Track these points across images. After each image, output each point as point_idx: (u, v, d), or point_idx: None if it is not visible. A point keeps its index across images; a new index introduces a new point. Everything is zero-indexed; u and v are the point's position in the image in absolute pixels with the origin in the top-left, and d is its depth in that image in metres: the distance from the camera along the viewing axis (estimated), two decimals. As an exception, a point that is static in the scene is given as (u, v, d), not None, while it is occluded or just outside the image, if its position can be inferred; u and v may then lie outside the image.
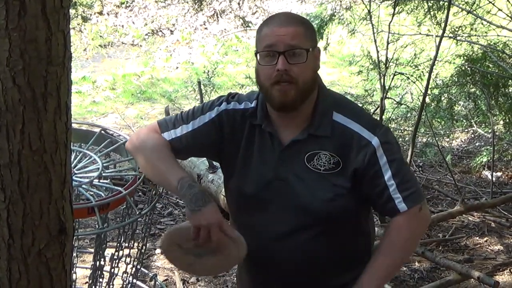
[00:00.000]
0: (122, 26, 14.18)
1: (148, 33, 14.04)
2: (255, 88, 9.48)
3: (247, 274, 2.56)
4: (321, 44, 7.65)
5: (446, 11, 5.45)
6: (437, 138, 7.15)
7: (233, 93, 2.45)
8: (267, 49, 2.20)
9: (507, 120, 6.91)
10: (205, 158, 5.77)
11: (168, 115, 7.00)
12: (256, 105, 2.36)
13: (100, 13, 14.24)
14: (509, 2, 6.62)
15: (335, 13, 7.43)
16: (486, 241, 5.58)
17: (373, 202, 2.31)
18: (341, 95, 2.49)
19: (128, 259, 3.16)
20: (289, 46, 2.18)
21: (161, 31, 14.14)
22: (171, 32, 14.12)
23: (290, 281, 2.40)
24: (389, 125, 7.68)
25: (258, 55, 2.24)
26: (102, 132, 3.30)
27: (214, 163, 5.85)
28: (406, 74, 6.63)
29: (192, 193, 2.22)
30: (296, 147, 2.28)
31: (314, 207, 2.26)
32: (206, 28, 14.12)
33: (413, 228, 2.28)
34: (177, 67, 12.56)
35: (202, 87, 7.76)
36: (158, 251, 5.24)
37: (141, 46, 13.69)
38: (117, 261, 3.10)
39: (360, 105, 7.72)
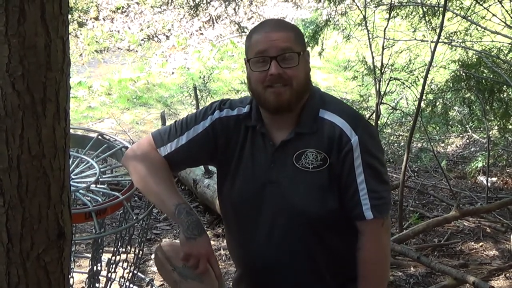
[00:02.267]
0: (118, 31, 14.19)
1: (144, 38, 14.05)
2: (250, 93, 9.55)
3: (245, 282, 2.57)
4: (316, 49, 7.67)
5: (441, 17, 5.47)
6: (432, 143, 7.17)
7: (225, 100, 2.44)
8: (259, 55, 2.22)
9: (502, 125, 6.94)
10: (201, 163, 5.79)
11: (164, 120, 7.02)
12: (250, 109, 2.36)
13: (96, 18, 14.25)
14: (503, 7, 6.65)
15: (330, 19, 7.46)
16: (481, 246, 5.59)
17: (344, 203, 2.28)
18: (327, 93, 2.48)
19: (124, 264, 3.17)
20: (281, 50, 2.19)
21: (156, 36, 14.16)
22: (167, 37, 14.14)
23: (287, 284, 2.41)
24: (384, 130, 7.72)
25: (249, 61, 2.25)
26: (99, 137, 3.31)
27: (210, 168, 5.86)
28: (401, 79, 6.65)
29: (190, 220, 2.25)
30: (285, 148, 2.28)
31: (306, 209, 2.27)
32: (201, 34, 14.15)
33: (379, 242, 2.31)
34: (172, 73, 12.57)
35: (197, 92, 7.78)
36: (154, 256, 5.25)
37: (137, 51, 13.70)
38: (114, 266, 3.10)
39: (357, 110, 7.78)
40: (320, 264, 2.36)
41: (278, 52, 2.19)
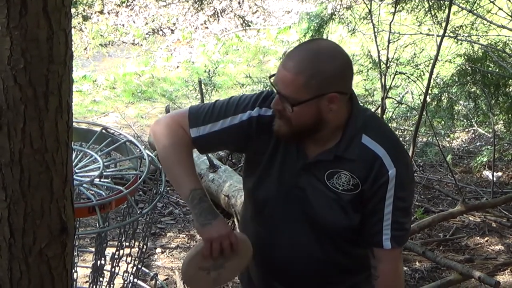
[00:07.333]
0: (123, 25, 14.17)
1: (149, 32, 14.03)
2: (255, 87, 9.43)
3: (254, 278, 2.57)
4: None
5: (447, 10, 5.44)
6: (437, 138, 7.15)
7: (268, 94, 2.33)
8: (273, 83, 2.18)
9: (508, 120, 6.91)
10: (205, 158, 5.77)
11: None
12: None
13: (101, 12, 14.23)
14: (510, 1, 6.61)
15: (335, 12, 7.41)
16: (487, 241, 5.57)
17: (365, 226, 2.28)
18: (372, 113, 2.44)
19: (129, 259, 3.16)
20: (282, 90, 2.13)
21: (161, 30, 14.14)
22: (172, 31, 14.11)
23: (297, 286, 2.44)
24: (390, 124, 7.69)
25: None
26: (103, 131, 3.30)
27: (215, 162, 5.84)
28: (406, 73, 6.62)
29: (202, 207, 2.22)
30: (319, 164, 2.25)
31: (328, 221, 2.27)
32: (206, 28, 14.12)
33: (396, 270, 2.33)
34: (177, 67, 12.56)
35: (202, 86, 7.76)
36: (158, 250, 5.24)
37: (141, 45, 13.68)
38: (117, 260, 3.09)
39: (361, 104, 7.76)
40: (335, 268, 2.39)
41: (280, 91, 2.14)
